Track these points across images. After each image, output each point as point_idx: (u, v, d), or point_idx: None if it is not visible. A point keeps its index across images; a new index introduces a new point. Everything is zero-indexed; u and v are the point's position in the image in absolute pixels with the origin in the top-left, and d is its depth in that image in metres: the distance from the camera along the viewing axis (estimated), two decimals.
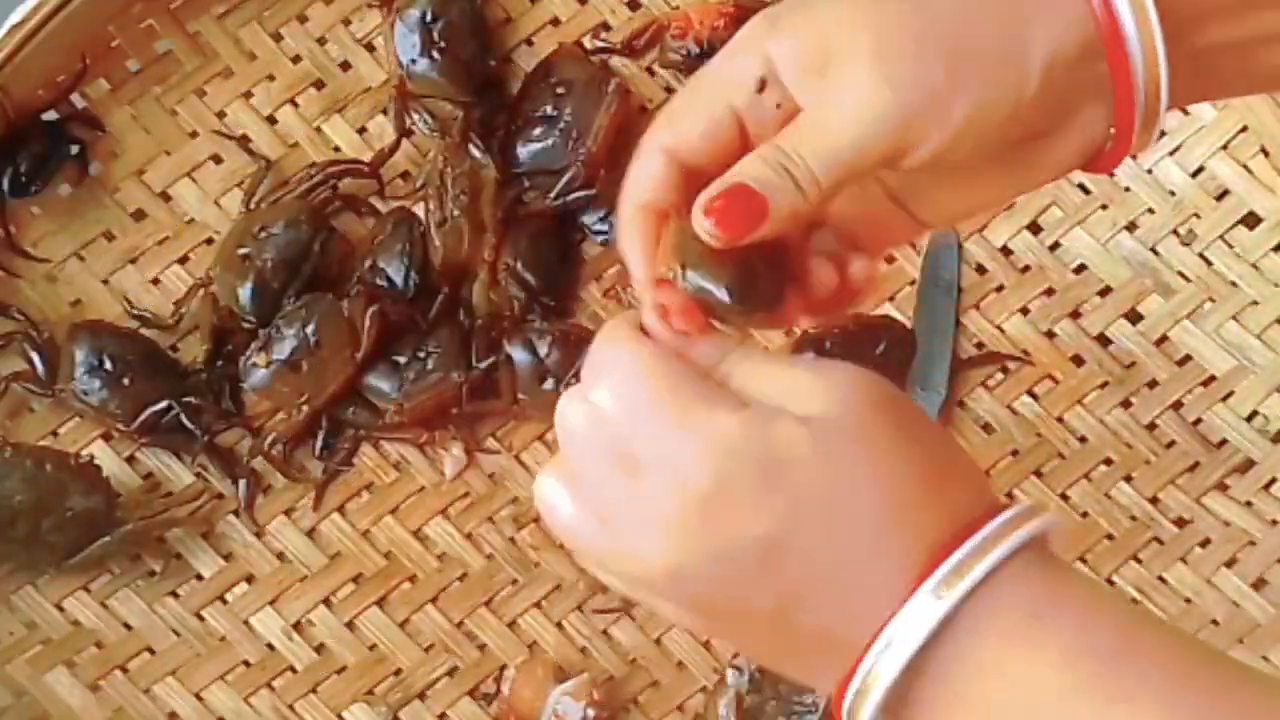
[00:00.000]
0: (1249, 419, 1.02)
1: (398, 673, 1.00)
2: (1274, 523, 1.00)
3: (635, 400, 0.66)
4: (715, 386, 0.66)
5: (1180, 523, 1.01)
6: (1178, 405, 1.02)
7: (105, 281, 1.05)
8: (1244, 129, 1.04)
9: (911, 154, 0.67)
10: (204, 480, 1.02)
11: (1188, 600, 1.00)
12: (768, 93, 0.69)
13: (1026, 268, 1.05)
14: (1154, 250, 1.04)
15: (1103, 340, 1.03)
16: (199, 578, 1.01)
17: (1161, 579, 1.00)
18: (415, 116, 1.06)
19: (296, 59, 1.08)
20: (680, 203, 0.69)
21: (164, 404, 1.01)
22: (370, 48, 1.08)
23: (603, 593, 1.00)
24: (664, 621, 1.00)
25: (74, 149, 1.05)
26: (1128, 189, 1.05)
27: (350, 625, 1.00)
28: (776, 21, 0.69)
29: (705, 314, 0.68)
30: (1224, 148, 1.04)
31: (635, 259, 0.70)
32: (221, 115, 1.07)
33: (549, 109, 1.05)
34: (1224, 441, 1.02)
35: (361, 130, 1.07)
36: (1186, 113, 1.05)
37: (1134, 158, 0.68)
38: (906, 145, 0.67)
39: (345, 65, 1.08)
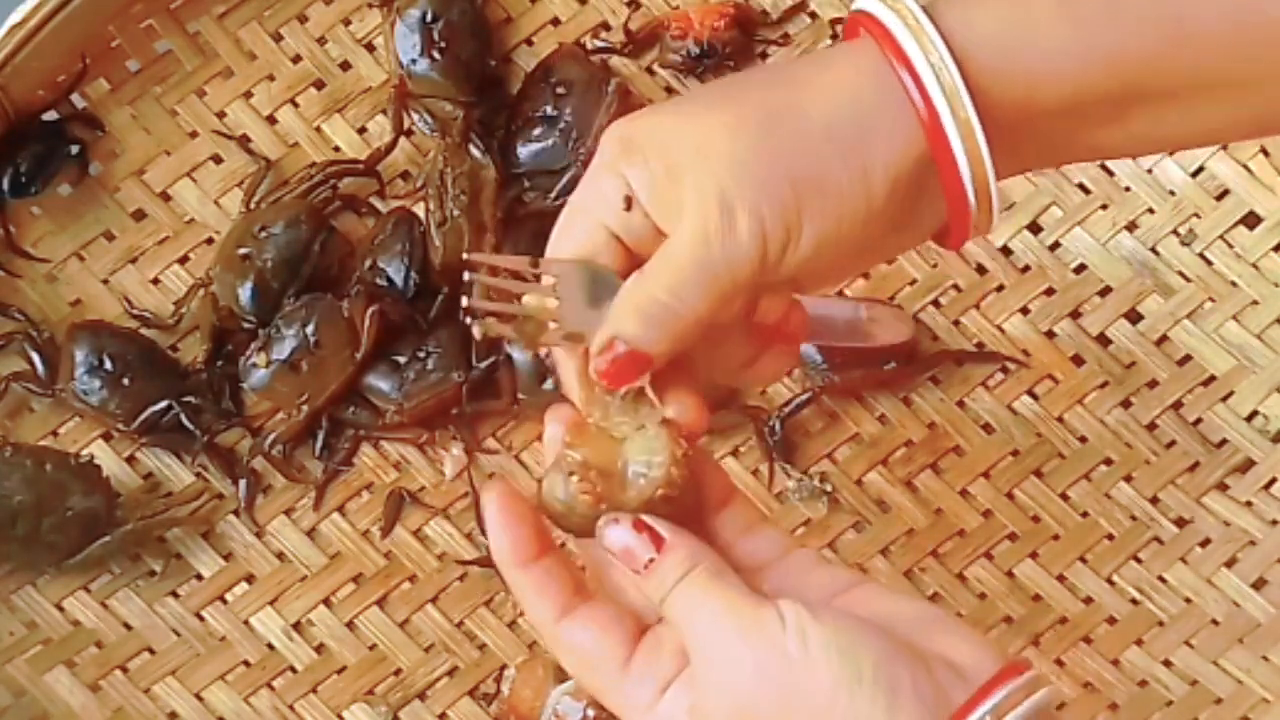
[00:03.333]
0: (1249, 419, 1.02)
1: (398, 673, 1.00)
2: (1274, 523, 1.00)
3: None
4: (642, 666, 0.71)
5: (1180, 523, 1.01)
6: (1178, 405, 1.02)
7: (105, 281, 1.05)
8: None
9: (771, 273, 0.71)
10: (204, 480, 1.02)
11: (1188, 600, 1.00)
12: (634, 209, 0.72)
13: (1026, 268, 1.05)
14: (1154, 250, 1.04)
15: (1103, 340, 1.03)
16: (199, 578, 1.01)
17: (1161, 579, 1.00)
18: (415, 116, 1.06)
19: (296, 59, 1.08)
20: None
21: (164, 404, 1.01)
22: (370, 48, 1.08)
23: None
24: None
25: (74, 149, 1.05)
26: (1128, 189, 1.05)
27: (350, 625, 1.00)
28: (630, 144, 0.72)
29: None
30: (1224, 148, 1.04)
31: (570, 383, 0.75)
32: (221, 115, 1.07)
33: (549, 109, 1.05)
34: (1224, 441, 1.02)
35: (361, 130, 1.07)
36: None
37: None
38: (765, 269, 0.70)
39: (345, 65, 1.08)
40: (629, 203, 0.71)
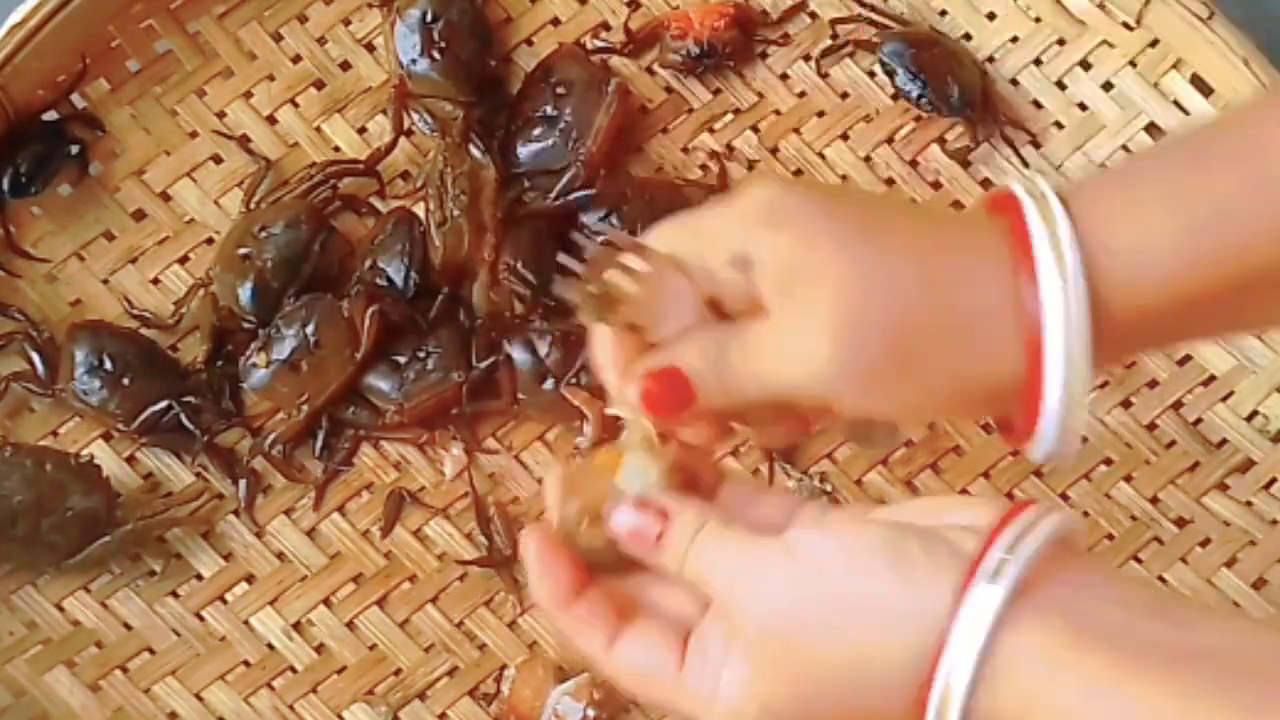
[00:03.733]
0: (1249, 419, 1.02)
1: (398, 673, 1.00)
2: (1274, 523, 1.00)
3: None
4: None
5: (1180, 523, 1.01)
6: (1178, 405, 1.02)
7: (105, 281, 1.05)
8: None
9: (836, 409, 0.71)
10: (204, 480, 1.02)
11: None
12: (747, 274, 0.71)
13: None
14: None
15: None
16: (199, 578, 1.01)
17: (1162, 579, 1.00)
18: (415, 116, 1.06)
19: (296, 59, 1.08)
20: None
21: (164, 404, 1.01)
22: (370, 48, 1.08)
23: None
24: None
25: (74, 149, 1.05)
26: None
27: (350, 625, 1.00)
28: (775, 217, 0.70)
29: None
30: None
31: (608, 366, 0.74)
32: (221, 115, 1.07)
33: (549, 109, 1.05)
34: (1224, 441, 1.02)
35: (361, 130, 1.07)
36: (1187, 112, 1.05)
37: None
38: (833, 405, 0.71)
39: (345, 65, 1.08)
40: (744, 264, 0.71)
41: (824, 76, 1.08)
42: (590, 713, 0.96)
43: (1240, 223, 0.69)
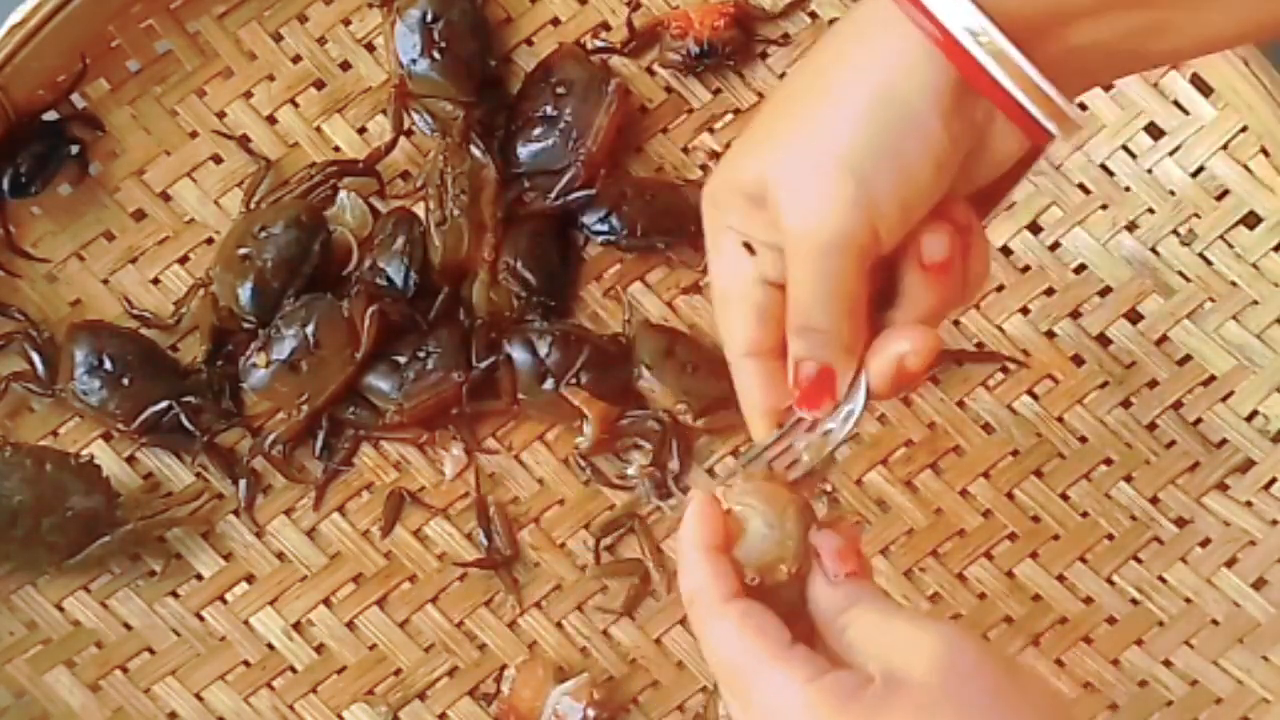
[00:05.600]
0: (1249, 419, 1.02)
1: (398, 673, 1.00)
2: (1274, 523, 1.00)
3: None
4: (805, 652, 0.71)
5: (1180, 523, 1.01)
6: (1178, 405, 1.02)
7: (105, 281, 1.05)
8: (1244, 129, 1.04)
9: (878, 248, 0.73)
10: (204, 480, 1.02)
11: (1188, 600, 1.00)
12: (759, 249, 0.76)
13: (1026, 268, 1.05)
14: (1154, 250, 1.04)
15: (1103, 340, 1.03)
16: (199, 578, 1.01)
17: (1161, 579, 1.00)
18: (415, 116, 1.06)
19: (296, 59, 1.08)
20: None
21: (164, 404, 1.01)
22: (370, 48, 1.08)
23: (603, 592, 1.00)
24: (664, 621, 1.00)
25: (74, 149, 1.05)
26: (1128, 189, 1.05)
27: (350, 625, 1.00)
28: (715, 198, 0.77)
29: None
30: (1224, 148, 1.04)
31: (751, 414, 0.78)
32: (221, 115, 1.07)
33: (549, 109, 1.05)
34: (1224, 441, 1.02)
35: (361, 130, 1.07)
36: (1187, 112, 1.05)
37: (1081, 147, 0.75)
38: (871, 251, 0.73)
39: (345, 65, 1.08)
40: (750, 248, 0.76)
41: None
42: (590, 713, 0.96)
43: None
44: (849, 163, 0.71)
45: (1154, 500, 1.01)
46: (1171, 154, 1.05)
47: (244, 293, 1.02)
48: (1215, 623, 0.99)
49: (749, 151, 0.76)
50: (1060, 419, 1.02)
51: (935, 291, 0.75)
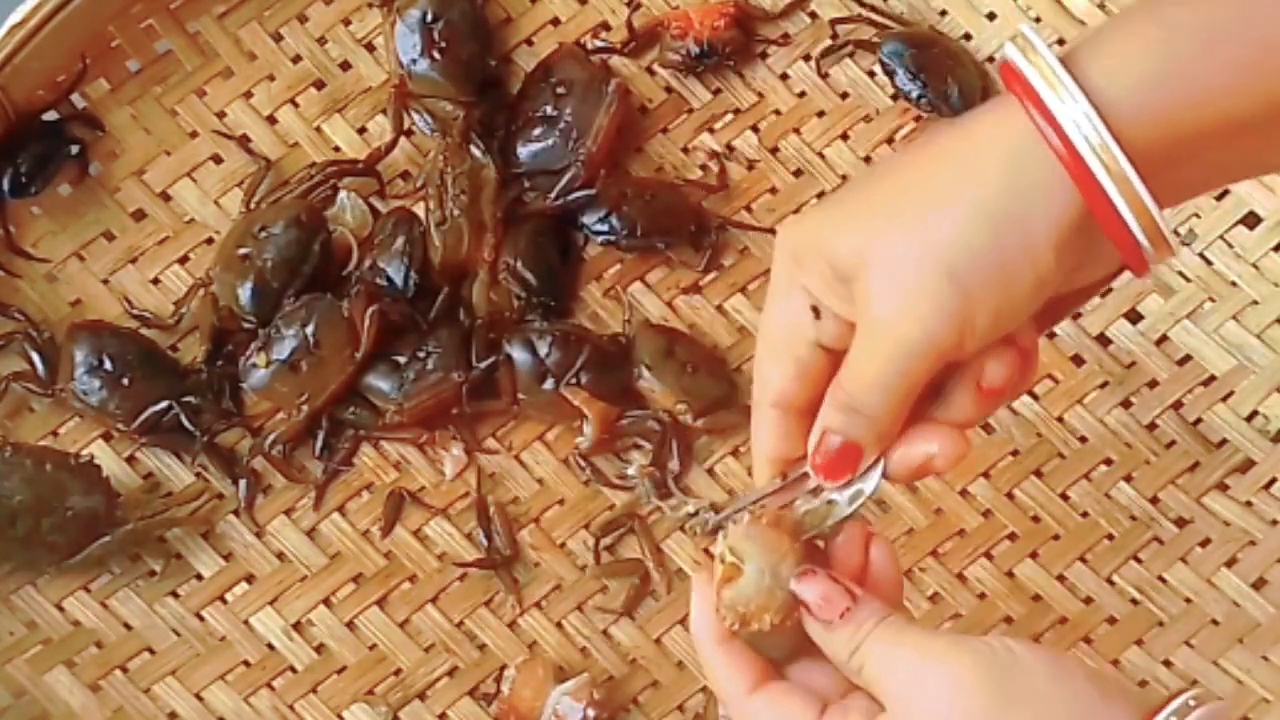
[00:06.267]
0: (1249, 419, 1.02)
1: (398, 673, 1.00)
2: (1274, 523, 1.00)
3: None
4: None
5: (1180, 523, 1.01)
6: (1178, 405, 1.02)
7: (105, 281, 1.05)
8: None
9: (956, 355, 0.73)
10: (204, 480, 1.02)
11: (1188, 600, 1.00)
12: (825, 316, 0.75)
13: None
14: None
15: (1103, 340, 1.03)
16: (199, 578, 1.01)
17: (1161, 579, 1.00)
18: (415, 116, 1.06)
19: (296, 59, 1.08)
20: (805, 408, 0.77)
21: (164, 404, 1.01)
22: (370, 48, 1.08)
23: (603, 592, 1.00)
24: (664, 621, 1.00)
25: (74, 149, 1.05)
26: None
27: (350, 625, 1.00)
28: (800, 258, 0.74)
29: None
30: None
31: (759, 459, 0.78)
32: (221, 115, 1.07)
33: (549, 109, 1.05)
34: (1224, 441, 1.02)
35: (361, 130, 1.07)
36: None
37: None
38: (947, 357, 0.72)
39: (345, 65, 1.08)
40: (816, 312, 0.74)
41: (824, 76, 1.08)
42: (590, 713, 0.96)
43: (1265, 38, 0.69)
44: (955, 273, 0.70)
45: (1154, 500, 1.01)
46: None
47: (244, 293, 1.02)
48: (1215, 623, 0.99)
49: (847, 223, 0.73)
50: (1060, 419, 1.02)
51: (981, 409, 0.75)
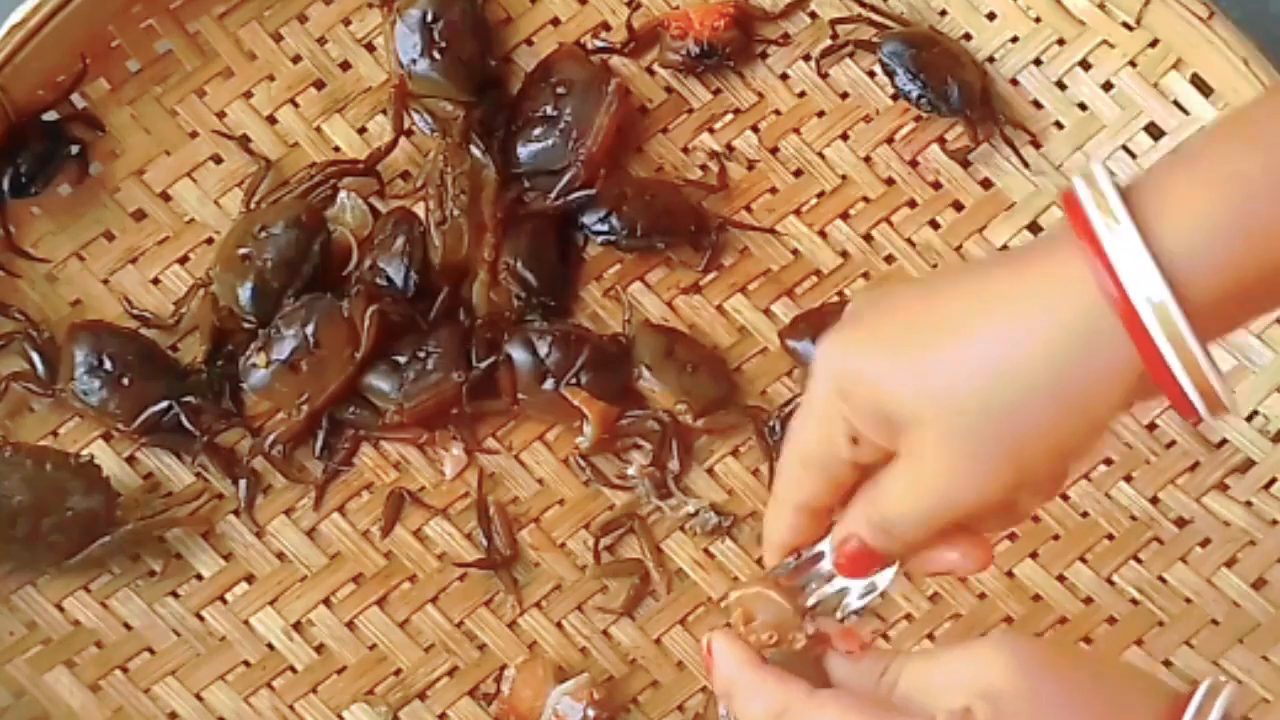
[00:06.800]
0: (1249, 419, 1.02)
1: (398, 673, 1.00)
2: (1274, 523, 1.00)
3: None
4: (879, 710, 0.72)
5: (1180, 523, 1.01)
6: None
7: (105, 281, 1.05)
8: None
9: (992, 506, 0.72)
10: (204, 480, 1.02)
11: (1188, 600, 1.00)
12: (863, 442, 0.72)
13: None
14: None
15: None
16: (199, 578, 1.01)
17: (1161, 579, 1.00)
18: (415, 116, 1.06)
19: (296, 59, 1.08)
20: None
21: (164, 404, 1.01)
22: (370, 48, 1.08)
23: (603, 592, 1.00)
24: (664, 621, 1.00)
25: (74, 149, 1.05)
26: None
27: (350, 625, 1.00)
28: (848, 393, 0.72)
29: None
30: None
31: (773, 548, 0.76)
32: (221, 115, 1.07)
33: (549, 109, 1.05)
34: (1224, 441, 1.02)
35: (361, 130, 1.07)
36: (1187, 112, 1.05)
37: None
38: (979, 517, 0.72)
39: (345, 65, 1.08)
40: (855, 440, 0.72)
41: (824, 76, 1.08)
42: (590, 713, 0.96)
43: None
44: (1018, 450, 0.69)
45: (1154, 500, 1.01)
46: (1171, 154, 1.05)
47: (244, 293, 1.02)
48: (1215, 623, 0.99)
49: (900, 368, 0.70)
50: None
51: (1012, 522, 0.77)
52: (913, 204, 1.06)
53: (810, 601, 0.75)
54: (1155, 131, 1.06)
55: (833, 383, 0.72)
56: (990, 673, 0.69)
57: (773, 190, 1.07)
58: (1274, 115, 0.69)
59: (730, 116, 1.07)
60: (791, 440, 0.75)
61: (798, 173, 1.07)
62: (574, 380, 1.01)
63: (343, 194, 1.05)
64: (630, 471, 1.02)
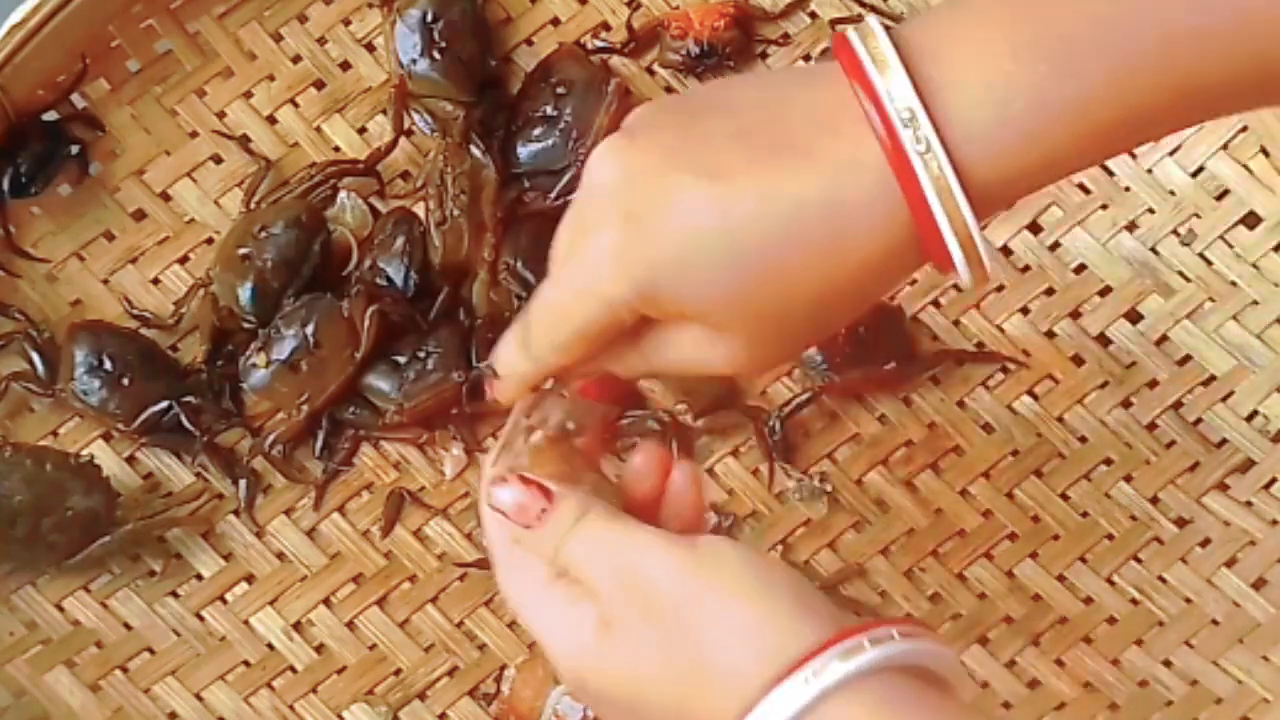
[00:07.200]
0: (1249, 419, 1.02)
1: (398, 673, 1.00)
2: (1274, 523, 1.00)
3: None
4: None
5: (1180, 523, 1.01)
6: (1178, 405, 1.02)
7: (105, 281, 1.05)
8: (1244, 129, 1.04)
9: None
10: (204, 480, 1.02)
11: (1188, 600, 1.00)
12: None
13: (1026, 268, 1.05)
14: (1154, 250, 1.04)
15: (1103, 340, 1.03)
16: (199, 578, 1.01)
17: (1161, 579, 1.00)
18: (415, 116, 1.06)
19: (296, 59, 1.08)
20: None
21: (164, 404, 1.01)
22: (370, 48, 1.08)
23: None
24: None
25: (74, 149, 1.05)
26: (1128, 189, 1.05)
27: (350, 625, 1.00)
28: (645, 299, 0.72)
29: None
30: (1224, 148, 1.04)
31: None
32: (221, 115, 1.07)
33: (549, 109, 1.05)
34: (1224, 441, 1.02)
35: (361, 130, 1.07)
36: None
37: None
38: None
39: (345, 65, 1.08)
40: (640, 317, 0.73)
41: None
42: (590, 713, 0.96)
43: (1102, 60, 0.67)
44: (783, 311, 0.71)
45: (1154, 500, 1.01)
46: (1171, 154, 1.05)
47: (244, 293, 1.02)
48: (1215, 623, 0.99)
49: (693, 278, 0.71)
50: (1060, 419, 1.02)
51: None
52: None
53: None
54: None
55: (634, 289, 0.71)
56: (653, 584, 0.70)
57: None
58: None
59: None
60: (563, 317, 0.74)
61: None
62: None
63: (343, 194, 1.05)
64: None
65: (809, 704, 0.65)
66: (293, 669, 1.00)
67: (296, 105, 1.07)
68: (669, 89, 1.08)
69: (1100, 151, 0.69)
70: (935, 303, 1.04)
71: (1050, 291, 1.04)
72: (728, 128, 0.70)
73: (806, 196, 0.68)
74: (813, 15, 1.08)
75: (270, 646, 1.00)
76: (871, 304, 0.73)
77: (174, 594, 1.01)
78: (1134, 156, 1.05)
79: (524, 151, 1.05)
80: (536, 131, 1.05)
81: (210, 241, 1.05)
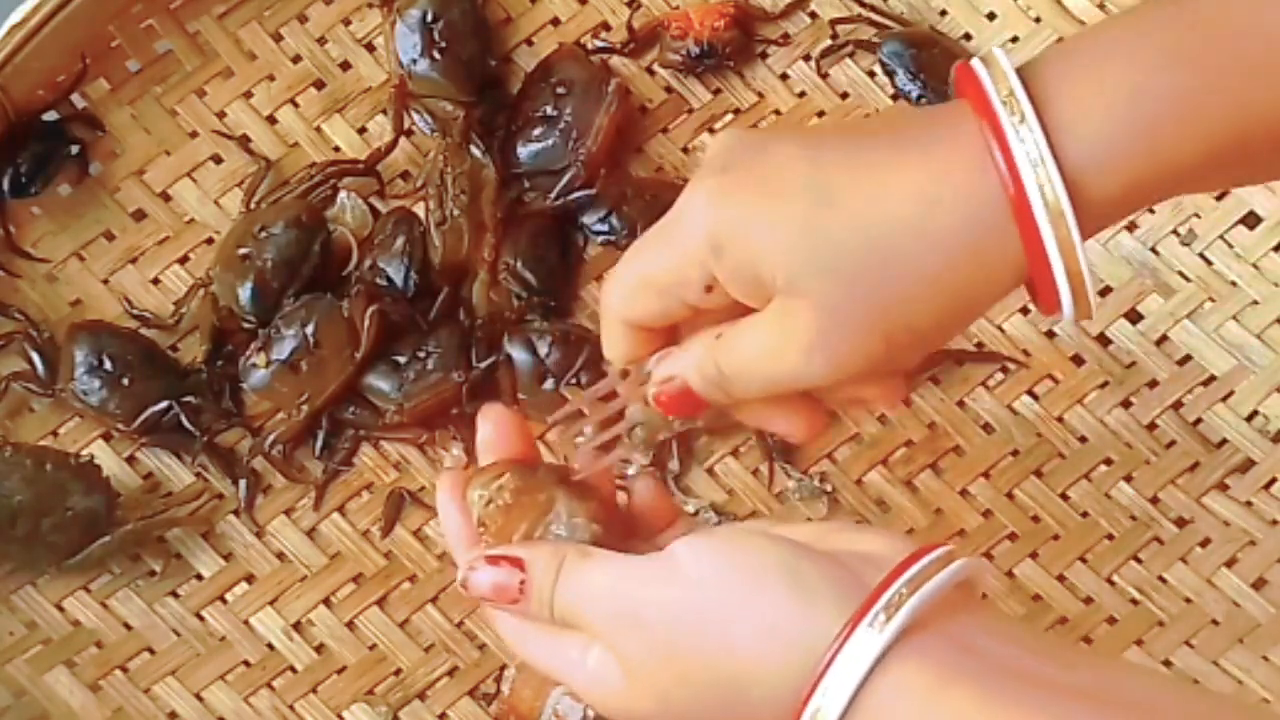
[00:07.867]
0: (1249, 419, 1.02)
1: (398, 673, 1.00)
2: (1274, 523, 1.00)
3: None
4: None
5: (1180, 523, 1.01)
6: (1178, 405, 1.02)
7: (105, 281, 1.05)
8: None
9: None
10: (204, 480, 1.02)
11: (1188, 600, 1.00)
12: (717, 292, 0.71)
13: None
14: (1154, 250, 1.04)
15: (1103, 340, 1.03)
16: (199, 578, 1.01)
17: (1161, 579, 1.00)
18: (415, 116, 1.06)
19: (296, 59, 1.08)
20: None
21: (164, 404, 1.01)
22: (370, 48, 1.08)
23: None
24: None
25: (74, 149, 1.05)
26: None
27: (350, 625, 1.00)
28: (720, 251, 0.70)
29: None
30: None
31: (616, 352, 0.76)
32: (221, 115, 1.07)
33: (549, 109, 1.05)
34: (1224, 441, 1.02)
35: (361, 130, 1.07)
36: None
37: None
38: (830, 389, 0.72)
39: (345, 65, 1.08)
40: (710, 289, 0.71)
41: (824, 76, 1.08)
42: (590, 713, 0.96)
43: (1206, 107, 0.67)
44: (893, 343, 0.69)
45: (1154, 500, 1.01)
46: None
47: (244, 293, 1.02)
48: (1215, 623, 0.99)
49: (785, 240, 0.69)
50: (1060, 419, 1.02)
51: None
52: None
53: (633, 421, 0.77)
54: None
55: (705, 231, 0.70)
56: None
57: None
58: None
59: (730, 117, 1.07)
60: (641, 259, 0.73)
61: None
62: (574, 380, 1.01)
63: (343, 194, 1.05)
64: (630, 471, 1.01)
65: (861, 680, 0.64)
66: (293, 669, 1.00)
67: (296, 105, 1.07)
68: (669, 89, 1.08)
69: (1206, 186, 0.70)
70: None
71: None
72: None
73: (916, 190, 0.68)
74: (813, 15, 1.08)
75: (270, 646, 1.00)
76: (950, 330, 0.72)
77: (174, 594, 1.01)
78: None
79: (524, 151, 1.05)
80: (536, 131, 1.05)
81: (210, 241, 1.05)
